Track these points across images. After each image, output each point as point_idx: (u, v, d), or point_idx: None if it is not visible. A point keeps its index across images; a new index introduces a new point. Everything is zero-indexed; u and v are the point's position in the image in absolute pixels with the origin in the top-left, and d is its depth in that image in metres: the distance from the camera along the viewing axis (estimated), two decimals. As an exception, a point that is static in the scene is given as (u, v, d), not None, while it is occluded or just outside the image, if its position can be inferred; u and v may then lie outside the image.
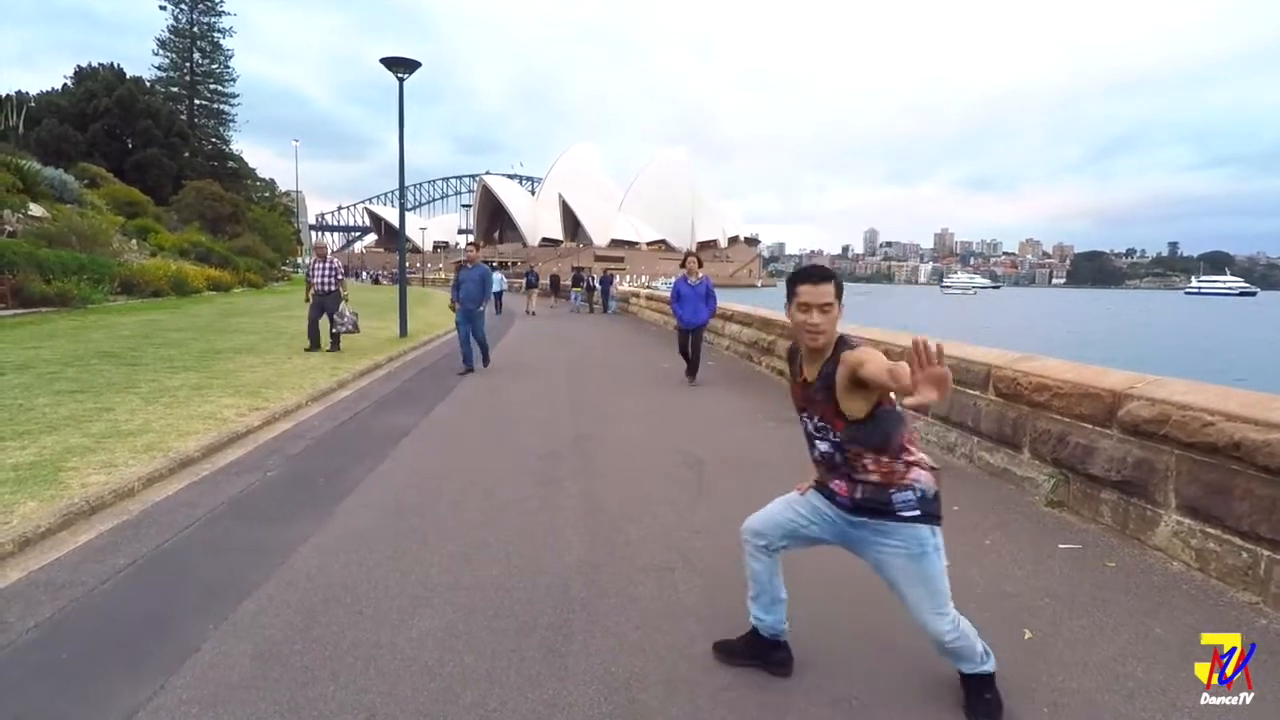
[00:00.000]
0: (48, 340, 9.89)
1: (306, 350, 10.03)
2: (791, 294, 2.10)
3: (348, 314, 10.37)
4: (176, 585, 2.95)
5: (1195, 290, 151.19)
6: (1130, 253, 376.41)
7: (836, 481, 2.17)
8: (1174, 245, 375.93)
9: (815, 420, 2.16)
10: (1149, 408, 3.55)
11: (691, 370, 8.81)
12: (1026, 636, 2.65)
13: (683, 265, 8.79)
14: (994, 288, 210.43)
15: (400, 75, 12.23)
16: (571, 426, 6.20)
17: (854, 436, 2.07)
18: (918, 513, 2.06)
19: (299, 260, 68.69)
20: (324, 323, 10.39)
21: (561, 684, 2.29)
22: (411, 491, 4.26)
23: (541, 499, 4.16)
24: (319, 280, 10.41)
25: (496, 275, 32.64)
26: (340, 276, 10.59)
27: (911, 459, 2.10)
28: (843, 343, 2.07)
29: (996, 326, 44.11)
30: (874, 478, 2.08)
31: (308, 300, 10.56)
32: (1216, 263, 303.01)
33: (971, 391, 5.14)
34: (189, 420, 5.49)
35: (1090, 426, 3.99)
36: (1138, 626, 2.72)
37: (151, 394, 6.43)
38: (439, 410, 6.84)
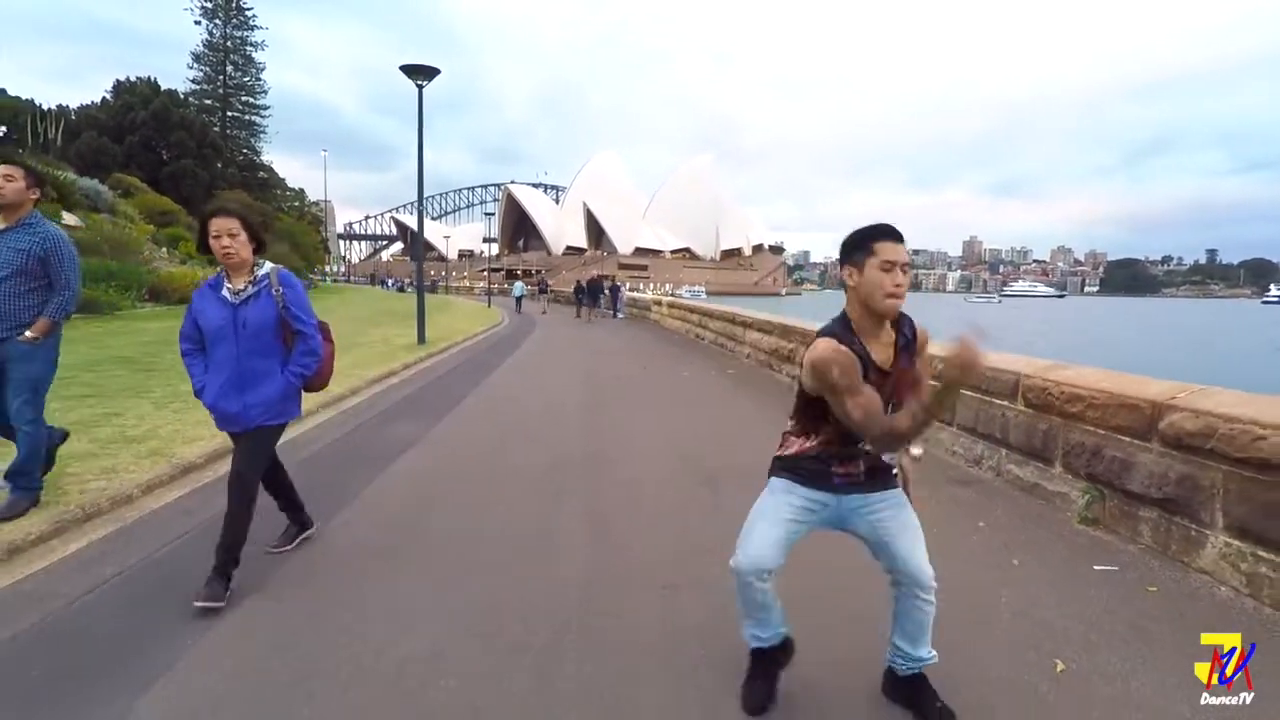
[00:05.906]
0: (69, 346, 9.83)
1: None
2: (866, 251, 1.84)
3: None
4: (157, 597, 2.84)
5: (1275, 300, 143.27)
6: (1166, 260, 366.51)
7: (848, 465, 2.03)
8: (1213, 253, 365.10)
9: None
10: (1193, 420, 3.30)
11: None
12: (1058, 669, 2.42)
13: (203, 246, 2.93)
14: (1058, 296, 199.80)
15: (419, 83, 12.25)
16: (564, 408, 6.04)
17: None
18: (896, 470, 2.09)
19: (326, 269, 69.64)
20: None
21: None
22: (410, 509, 4.12)
23: (540, 521, 4.01)
24: None
25: (517, 283, 34.60)
26: None
27: None
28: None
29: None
30: None
31: None
32: (1259, 270, 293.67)
33: (999, 401, 4.89)
34: (195, 426, 5.45)
35: (1128, 440, 3.73)
36: (1182, 659, 2.47)
37: (163, 399, 6.42)
38: (438, 430, 6.74)
